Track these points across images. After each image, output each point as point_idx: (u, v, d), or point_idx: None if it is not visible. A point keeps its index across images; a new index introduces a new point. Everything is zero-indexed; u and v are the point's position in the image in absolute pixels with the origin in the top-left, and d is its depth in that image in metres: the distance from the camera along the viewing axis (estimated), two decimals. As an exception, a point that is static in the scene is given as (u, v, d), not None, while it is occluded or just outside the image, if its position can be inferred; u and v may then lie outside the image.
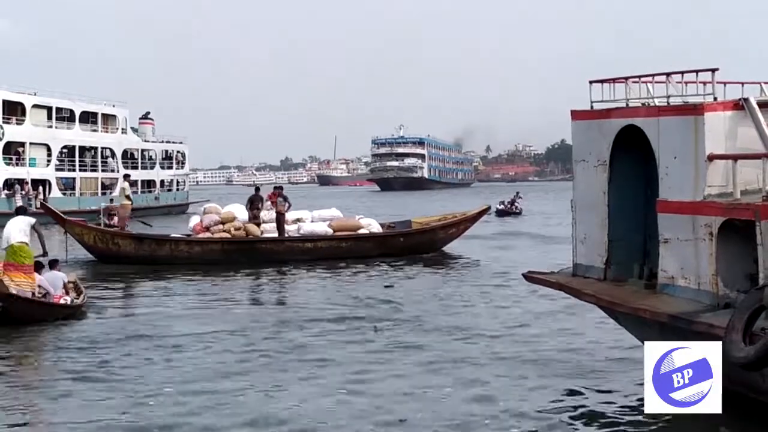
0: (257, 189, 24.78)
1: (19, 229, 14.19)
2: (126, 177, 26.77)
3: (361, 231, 24.62)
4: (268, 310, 16.01)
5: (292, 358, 11.46)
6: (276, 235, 23.72)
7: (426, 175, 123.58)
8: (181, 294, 18.05)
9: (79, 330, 13.49)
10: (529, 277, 11.63)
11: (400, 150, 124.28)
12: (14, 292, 13.49)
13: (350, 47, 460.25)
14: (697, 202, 8.69)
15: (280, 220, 23.69)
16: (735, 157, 8.59)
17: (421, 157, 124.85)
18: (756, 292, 7.72)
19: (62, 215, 24.57)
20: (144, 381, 10.32)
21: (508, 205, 36.41)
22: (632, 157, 10.01)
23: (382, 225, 25.83)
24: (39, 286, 14.24)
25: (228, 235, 23.53)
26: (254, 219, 23.73)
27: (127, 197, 24.72)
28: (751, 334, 7.53)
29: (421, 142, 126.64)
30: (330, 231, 24.14)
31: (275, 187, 24.97)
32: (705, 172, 8.66)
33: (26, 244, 14.13)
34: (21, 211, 15.46)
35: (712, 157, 8.65)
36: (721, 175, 8.66)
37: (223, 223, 23.73)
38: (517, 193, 39.22)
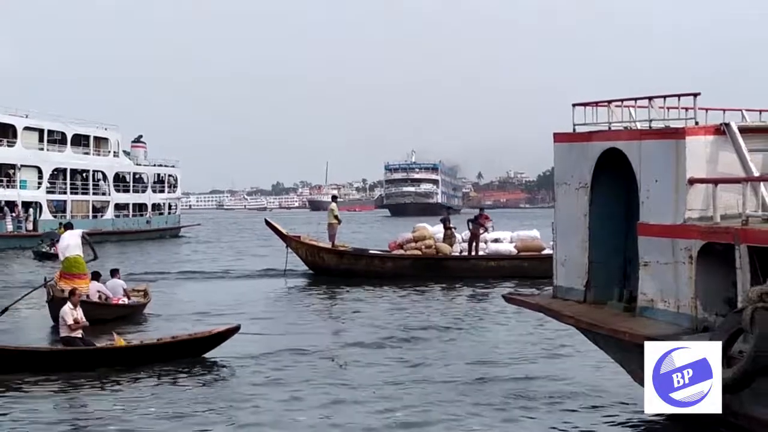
0: (448, 214, 27.72)
1: (73, 243, 16.78)
2: (334, 198, 29.33)
3: (545, 252, 25.36)
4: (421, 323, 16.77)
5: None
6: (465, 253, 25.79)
7: (440, 201, 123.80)
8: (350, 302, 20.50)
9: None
10: (510, 298, 11.63)
11: (415, 175, 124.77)
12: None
13: (342, 75, 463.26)
14: (677, 225, 8.72)
15: (471, 240, 25.82)
16: (715, 181, 8.62)
17: (435, 182, 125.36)
18: (734, 315, 7.73)
19: (284, 232, 26.90)
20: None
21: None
22: (614, 180, 10.05)
23: None
24: (98, 291, 16.69)
25: (419, 253, 25.66)
26: (447, 239, 26.03)
27: (335, 217, 26.81)
28: (729, 357, 7.53)
29: (434, 168, 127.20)
30: (514, 251, 25.59)
31: (480, 210, 27.64)
32: (685, 196, 8.69)
33: (80, 255, 16.74)
34: (69, 226, 18.13)
35: (692, 181, 8.69)
36: (702, 199, 8.70)
37: (415, 241, 25.92)
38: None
